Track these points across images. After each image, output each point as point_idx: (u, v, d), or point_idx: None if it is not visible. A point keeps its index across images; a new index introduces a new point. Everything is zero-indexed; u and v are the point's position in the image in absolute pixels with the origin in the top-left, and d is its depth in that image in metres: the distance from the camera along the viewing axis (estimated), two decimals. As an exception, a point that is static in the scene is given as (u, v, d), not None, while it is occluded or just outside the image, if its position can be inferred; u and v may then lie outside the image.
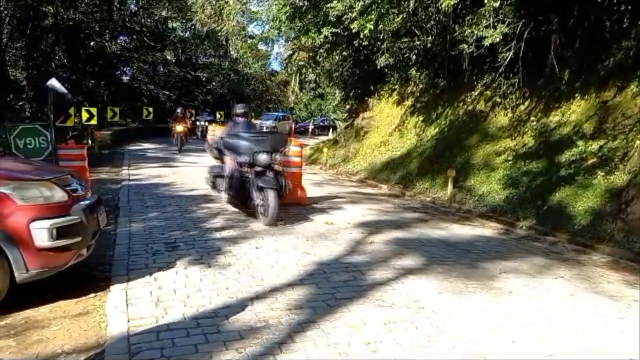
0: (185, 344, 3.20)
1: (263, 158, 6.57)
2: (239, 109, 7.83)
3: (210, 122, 24.17)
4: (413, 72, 14.05)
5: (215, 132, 16.84)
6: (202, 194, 8.90)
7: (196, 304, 3.87)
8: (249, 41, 28.17)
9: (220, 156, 7.64)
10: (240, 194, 6.95)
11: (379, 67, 12.89)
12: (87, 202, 4.17)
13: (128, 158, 15.25)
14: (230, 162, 7.14)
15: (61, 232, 3.69)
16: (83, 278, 4.40)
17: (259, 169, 6.61)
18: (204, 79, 33.47)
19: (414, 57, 12.71)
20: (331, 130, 30.06)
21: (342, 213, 7.91)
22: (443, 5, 8.59)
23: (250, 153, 6.59)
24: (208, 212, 7.44)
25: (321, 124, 35.54)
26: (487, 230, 7.29)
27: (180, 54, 32.68)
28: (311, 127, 34.41)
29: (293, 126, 34.24)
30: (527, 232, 7.04)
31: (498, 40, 8.63)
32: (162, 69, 31.07)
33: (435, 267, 5.06)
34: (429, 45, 11.71)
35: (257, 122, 29.21)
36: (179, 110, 18.86)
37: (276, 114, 35.25)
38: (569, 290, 4.58)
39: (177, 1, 27.45)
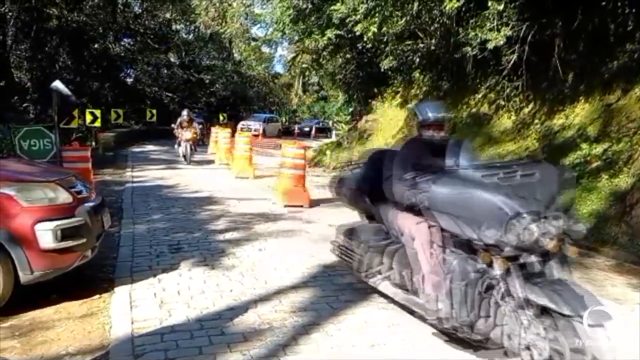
0: (188, 346, 3.21)
1: (536, 231, 2.78)
2: (432, 110, 3.71)
3: (203, 125, 23.70)
4: (416, 74, 14.01)
5: (219, 135, 16.78)
6: (205, 196, 8.92)
7: (200, 305, 3.88)
8: (252, 43, 28.27)
9: (371, 208, 4.17)
10: (461, 309, 2.99)
11: (382, 70, 12.88)
12: (91, 204, 4.19)
13: (131, 159, 15.29)
14: (424, 230, 3.39)
15: (65, 234, 3.71)
16: (87, 279, 4.41)
17: (523, 255, 2.88)
18: (207, 81, 33.52)
19: (417, 60, 12.67)
20: (333, 133, 29.88)
21: (345, 215, 7.88)
22: (446, 8, 8.60)
23: (503, 220, 2.79)
24: (211, 214, 7.45)
25: (316, 125, 34.80)
26: (491, 232, 7.25)
27: (183, 55, 32.74)
28: (308, 129, 33.51)
29: (296, 128, 34.05)
30: (530, 235, 6.99)
31: (501, 42, 8.61)
32: (165, 71, 31.09)
33: (438, 270, 5.04)
34: (433, 47, 11.68)
35: (249, 122, 28.29)
36: (184, 113, 15.56)
37: (263, 115, 33.09)
38: (573, 293, 4.56)
39: (181, 3, 27.58)
